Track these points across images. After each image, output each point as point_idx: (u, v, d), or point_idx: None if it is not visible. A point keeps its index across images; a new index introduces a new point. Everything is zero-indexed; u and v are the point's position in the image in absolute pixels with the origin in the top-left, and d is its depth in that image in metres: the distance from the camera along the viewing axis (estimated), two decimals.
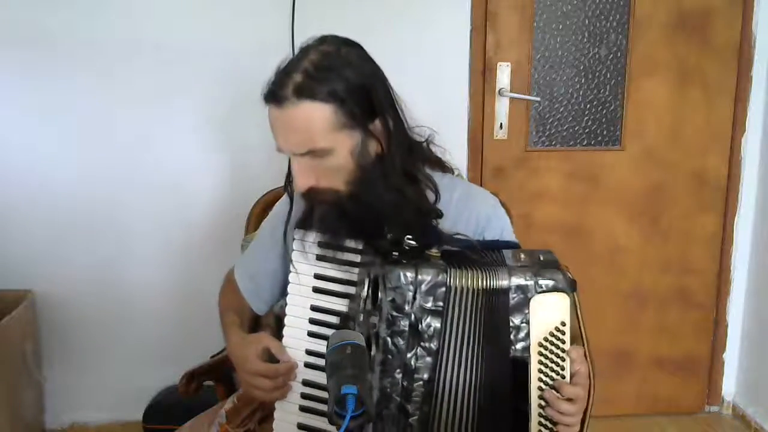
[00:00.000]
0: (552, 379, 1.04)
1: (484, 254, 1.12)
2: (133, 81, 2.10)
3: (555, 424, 1.04)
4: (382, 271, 1.04)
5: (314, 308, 1.13)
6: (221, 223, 2.13)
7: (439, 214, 1.17)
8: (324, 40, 1.13)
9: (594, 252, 2.33)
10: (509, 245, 1.21)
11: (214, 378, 1.44)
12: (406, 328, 1.03)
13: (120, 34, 2.07)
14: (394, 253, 1.06)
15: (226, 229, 2.00)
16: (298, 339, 1.12)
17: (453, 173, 1.30)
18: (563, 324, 1.03)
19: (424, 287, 1.02)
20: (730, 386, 2.47)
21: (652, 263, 2.37)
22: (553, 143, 2.28)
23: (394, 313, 1.03)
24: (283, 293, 1.30)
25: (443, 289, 1.03)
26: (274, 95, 1.10)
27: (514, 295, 1.04)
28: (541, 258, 1.07)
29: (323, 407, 1.08)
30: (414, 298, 1.02)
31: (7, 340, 1.98)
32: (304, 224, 1.15)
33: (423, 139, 1.22)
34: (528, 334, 1.03)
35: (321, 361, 0.98)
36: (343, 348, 0.92)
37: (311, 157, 1.09)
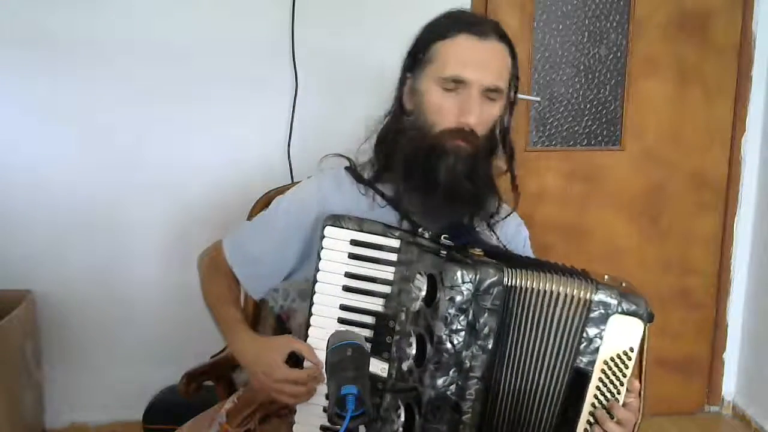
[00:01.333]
0: (606, 399, 1.04)
1: (539, 260, 1.14)
2: (134, 81, 2.10)
3: None
4: (438, 270, 1.02)
5: (344, 308, 1.10)
6: (221, 223, 2.12)
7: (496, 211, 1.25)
8: None
9: (594, 252, 2.33)
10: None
11: (214, 378, 1.44)
12: (464, 327, 1.01)
13: (120, 34, 2.07)
14: (442, 252, 1.05)
15: (226, 230, 1.99)
16: (324, 339, 1.07)
17: None
18: (631, 350, 1.03)
19: (482, 286, 1.01)
20: (730, 386, 2.47)
21: (652, 263, 2.36)
22: (553, 143, 2.28)
23: (453, 312, 1.01)
24: (285, 279, 1.28)
25: (501, 288, 1.01)
26: (476, 26, 1.18)
27: (596, 309, 1.03)
28: (624, 284, 1.07)
29: None
30: (473, 296, 1.01)
31: (7, 340, 1.98)
32: (342, 222, 1.12)
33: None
34: (597, 350, 1.03)
35: None
36: (344, 349, 0.92)
37: (488, 97, 1.16)
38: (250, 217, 1.58)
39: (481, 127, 1.16)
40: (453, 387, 1.02)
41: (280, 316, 1.44)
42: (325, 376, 1.04)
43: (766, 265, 2.32)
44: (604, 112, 2.28)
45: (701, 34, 2.24)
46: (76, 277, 2.19)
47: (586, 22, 2.21)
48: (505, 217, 1.28)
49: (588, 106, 2.27)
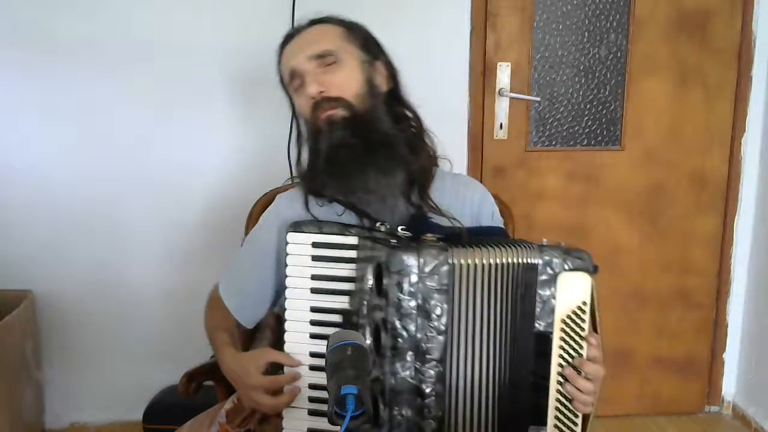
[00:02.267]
0: (571, 357, 1.06)
1: (492, 237, 1.16)
2: (134, 81, 2.10)
3: (571, 401, 1.06)
4: (384, 258, 1.04)
5: (314, 309, 1.13)
6: (221, 223, 2.13)
7: (435, 164, 1.29)
8: None
9: (594, 252, 2.30)
10: (494, 230, 1.27)
11: (214, 378, 1.44)
12: (415, 310, 1.03)
13: (120, 34, 2.07)
14: (392, 241, 1.06)
15: (226, 229, 2.00)
16: (300, 343, 1.12)
17: (441, 165, 1.34)
18: (584, 304, 1.06)
19: (427, 268, 1.02)
20: (730, 386, 2.47)
21: (652, 263, 2.37)
22: (553, 143, 2.28)
23: (401, 296, 1.02)
24: (274, 303, 1.32)
25: (446, 267, 1.03)
26: (292, 32, 1.30)
27: (543, 271, 1.06)
28: (562, 244, 1.11)
29: None
30: (419, 279, 1.02)
31: (7, 340, 1.98)
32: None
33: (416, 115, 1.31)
34: (553, 310, 1.06)
35: None
36: (344, 348, 0.92)
37: (323, 65, 1.23)
38: (249, 217, 1.59)
39: (337, 90, 1.22)
40: (411, 371, 1.04)
41: (279, 316, 1.44)
42: (306, 377, 1.09)
43: (766, 265, 2.32)
44: (604, 112, 2.28)
45: (701, 34, 2.24)
46: (76, 277, 2.19)
47: (586, 22, 2.21)
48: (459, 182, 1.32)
49: (588, 106, 2.27)
